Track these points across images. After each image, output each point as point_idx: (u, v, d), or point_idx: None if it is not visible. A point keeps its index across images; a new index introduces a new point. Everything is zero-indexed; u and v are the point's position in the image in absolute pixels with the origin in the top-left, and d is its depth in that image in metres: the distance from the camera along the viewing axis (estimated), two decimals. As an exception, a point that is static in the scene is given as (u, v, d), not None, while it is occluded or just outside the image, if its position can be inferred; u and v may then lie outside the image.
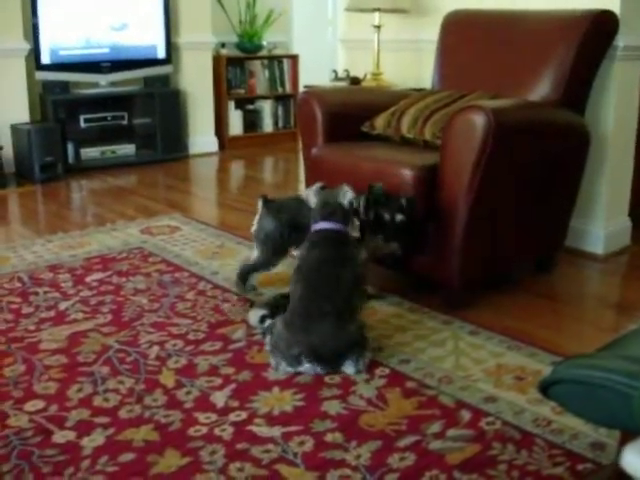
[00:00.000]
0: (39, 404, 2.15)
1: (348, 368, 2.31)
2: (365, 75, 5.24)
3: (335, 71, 5.67)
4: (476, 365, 2.39)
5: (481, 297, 2.95)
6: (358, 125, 3.37)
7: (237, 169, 6.07)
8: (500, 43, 3.42)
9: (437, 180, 2.77)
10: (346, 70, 5.46)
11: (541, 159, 2.93)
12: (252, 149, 6.44)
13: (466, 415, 2.09)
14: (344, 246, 2.44)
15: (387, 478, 1.80)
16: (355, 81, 5.30)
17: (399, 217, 2.71)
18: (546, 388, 1.36)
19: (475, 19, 3.62)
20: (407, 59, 4.98)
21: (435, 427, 2.03)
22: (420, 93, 3.52)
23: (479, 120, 2.60)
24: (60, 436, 1.99)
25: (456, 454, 1.90)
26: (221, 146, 6.39)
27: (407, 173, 2.79)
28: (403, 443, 1.95)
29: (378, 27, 5.05)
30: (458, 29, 3.66)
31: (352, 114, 3.38)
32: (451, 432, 2.01)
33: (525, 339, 2.58)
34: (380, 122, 3.31)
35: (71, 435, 1.99)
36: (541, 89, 3.16)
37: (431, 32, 3.91)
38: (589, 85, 3.21)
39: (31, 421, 2.06)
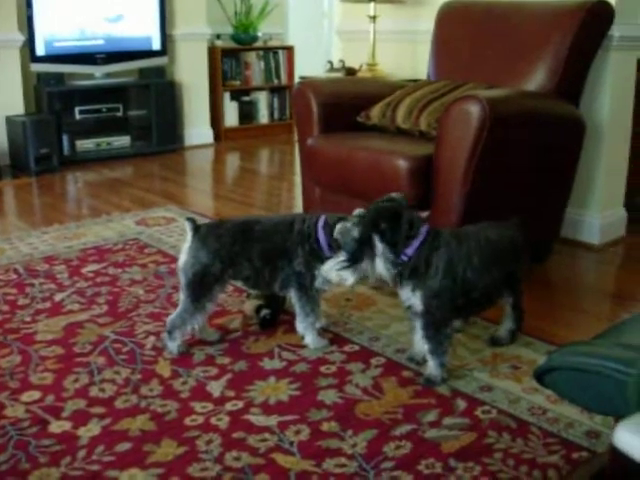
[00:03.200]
0: (35, 394, 2.15)
1: None
2: (361, 66, 5.24)
3: (331, 62, 5.67)
4: (472, 355, 2.40)
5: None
6: (353, 116, 3.37)
7: (232, 161, 6.06)
8: (495, 33, 3.41)
9: (432, 170, 2.77)
10: (341, 61, 5.46)
11: (536, 149, 2.93)
12: (248, 140, 6.43)
13: (462, 404, 2.09)
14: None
15: (383, 466, 1.81)
16: (350, 72, 5.31)
17: None
18: (541, 376, 1.36)
19: (471, 9, 3.61)
20: (403, 50, 4.98)
21: (431, 416, 2.03)
22: (416, 84, 3.52)
23: (475, 110, 2.60)
24: (56, 426, 1.99)
25: (452, 442, 1.91)
26: (216, 138, 6.37)
27: (402, 163, 2.79)
28: (399, 432, 1.96)
29: (374, 18, 5.05)
30: (454, 19, 3.65)
31: (347, 105, 3.38)
32: (447, 421, 2.01)
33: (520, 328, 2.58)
34: (375, 112, 3.31)
35: (67, 425, 1.99)
36: (536, 79, 3.16)
37: (427, 23, 3.91)
38: (584, 75, 3.22)
39: (27, 411, 2.06)
